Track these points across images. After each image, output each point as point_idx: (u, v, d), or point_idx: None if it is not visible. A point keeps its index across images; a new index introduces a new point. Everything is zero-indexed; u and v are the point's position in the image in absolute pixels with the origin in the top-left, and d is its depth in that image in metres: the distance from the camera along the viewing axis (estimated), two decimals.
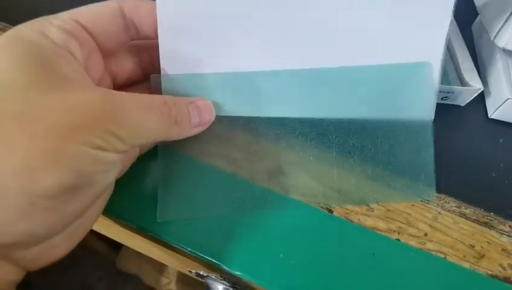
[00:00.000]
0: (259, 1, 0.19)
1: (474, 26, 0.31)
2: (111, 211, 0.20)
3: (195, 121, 0.19)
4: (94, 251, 0.63)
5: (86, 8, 0.18)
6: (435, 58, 0.20)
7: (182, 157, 0.21)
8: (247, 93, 0.21)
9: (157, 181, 0.21)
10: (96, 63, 0.18)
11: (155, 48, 0.20)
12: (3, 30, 0.27)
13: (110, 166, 0.15)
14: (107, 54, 0.19)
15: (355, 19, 0.20)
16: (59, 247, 0.16)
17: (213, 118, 0.20)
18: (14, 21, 0.27)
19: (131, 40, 0.19)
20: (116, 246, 0.62)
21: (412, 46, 0.20)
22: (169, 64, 0.20)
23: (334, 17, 0.20)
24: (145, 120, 0.16)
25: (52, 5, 0.29)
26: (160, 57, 0.20)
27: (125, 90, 0.21)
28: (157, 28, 0.19)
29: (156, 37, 0.19)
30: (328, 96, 0.21)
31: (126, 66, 0.20)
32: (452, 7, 0.19)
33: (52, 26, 0.16)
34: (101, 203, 0.18)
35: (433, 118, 0.21)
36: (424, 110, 0.21)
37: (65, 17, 0.17)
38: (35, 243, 0.15)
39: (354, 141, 0.21)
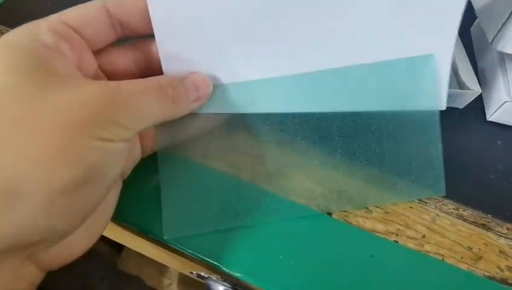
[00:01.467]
0: (258, 4, 0.19)
1: (473, 29, 0.31)
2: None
3: (192, 96, 0.19)
4: (96, 252, 0.63)
5: (73, 10, 0.18)
6: (445, 51, 0.20)
7: (183, 162, 0.21)
8: (245, 97, 0.20)
9: (157, 184, 0.21)
10: (88, 62, 0.18)
11: (147, 45, 0.20)
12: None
13: (118, 156, 0.16)
14: (98, 52, 0.19)
15: (363, 16, 0.19)
16: (79, 244, 0.17)
17: (210, 90, 0.20)
18: (16, 25, 0.27)
19: (119, 36, 0.20)
20: (118, 248, 0.62)
21: (422, 40, 0.20)
22: (170, 65, 0.20)
23: (341, 16, 0.19)
24: (143, 104, 0.16)
25: (54, 9, 0.29)
26: (161, 59, 0.19)
27: None
28: (142, 22, 0.19)
29: (143, 32, 0.19)
30: (334, 93, 0.20)
31: (120, 65, 0.21)
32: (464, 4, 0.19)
33: (41, 29, 0.16)
34: (114, 198, 0.19)
35: (444, 108, 0.21)
36: (431, 102, 0.21)
37: (53, 19, 0.17)
38: (56, 240, 0.15)
39: (358, 142, 0.21)
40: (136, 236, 0.23)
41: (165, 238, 0.20)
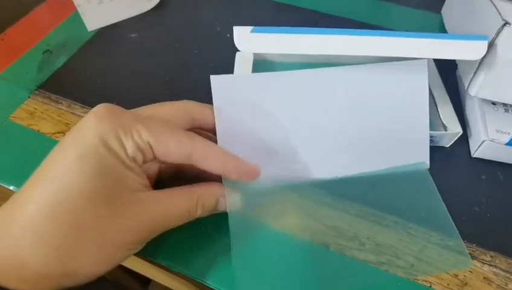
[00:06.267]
0: (295, 124, 0.26)
1: (457, 73, 0.34)
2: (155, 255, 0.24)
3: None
4: (124, 286, 0.66)
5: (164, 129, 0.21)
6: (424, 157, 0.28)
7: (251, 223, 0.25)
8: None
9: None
10: (152, 165, 0.24)
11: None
12: (68, 107, 0.32)
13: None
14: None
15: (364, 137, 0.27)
16: None
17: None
18: (77, 98, 0.32)
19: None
20: (145, 282, 0.65)
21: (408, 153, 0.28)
22: None
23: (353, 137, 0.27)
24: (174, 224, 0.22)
25: (93, 78, 0.34)
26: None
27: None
28: (212, 127, 0.24)
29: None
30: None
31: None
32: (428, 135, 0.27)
33: (128, 141, 0.19)
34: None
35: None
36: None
37: (142, 134, 0.20)
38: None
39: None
40: (163, 270, 0.26)
41: None
